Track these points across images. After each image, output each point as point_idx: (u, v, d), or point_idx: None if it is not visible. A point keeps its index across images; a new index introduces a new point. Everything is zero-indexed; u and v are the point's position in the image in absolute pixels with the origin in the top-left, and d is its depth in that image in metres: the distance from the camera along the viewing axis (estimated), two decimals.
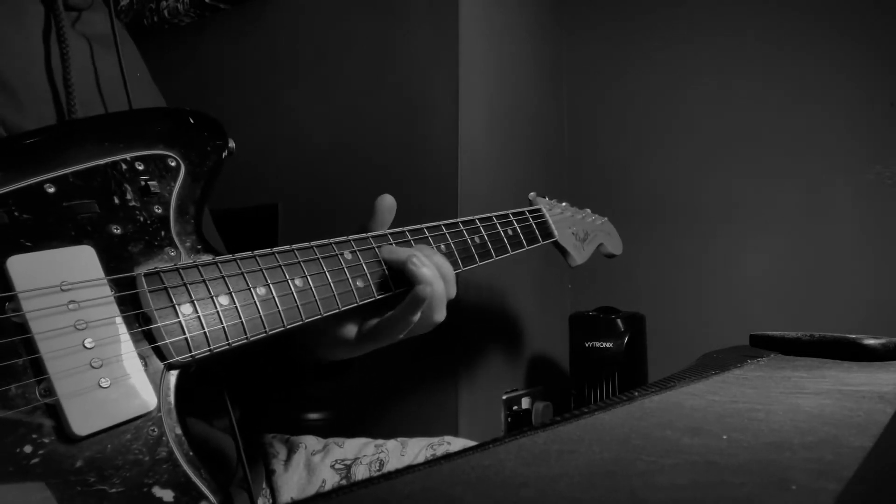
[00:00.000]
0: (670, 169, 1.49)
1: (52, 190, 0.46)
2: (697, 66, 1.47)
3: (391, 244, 0.63)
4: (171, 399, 0.45)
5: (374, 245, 0.61)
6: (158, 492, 0.41)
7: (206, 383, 0.59)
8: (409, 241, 0.64)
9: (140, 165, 0.51)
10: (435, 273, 0.61)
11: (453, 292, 0.64)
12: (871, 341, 0.78)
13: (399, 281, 0.61)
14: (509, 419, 1.30)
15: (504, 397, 1.30)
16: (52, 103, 0.62)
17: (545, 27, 1.57)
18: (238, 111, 1.53)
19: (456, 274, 0.65)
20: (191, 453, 0.44)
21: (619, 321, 1.24)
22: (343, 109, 1.37)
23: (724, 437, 0.37)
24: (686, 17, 1.49)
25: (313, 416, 1.23)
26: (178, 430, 0.44)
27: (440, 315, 0.62)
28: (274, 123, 1.47)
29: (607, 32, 1.60)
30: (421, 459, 0.80)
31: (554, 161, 1.58)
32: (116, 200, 0.49)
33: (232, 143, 0.58)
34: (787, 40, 1.37)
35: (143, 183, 0.51)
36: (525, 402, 1.34)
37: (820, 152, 1.33)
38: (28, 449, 0.39)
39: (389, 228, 0.65)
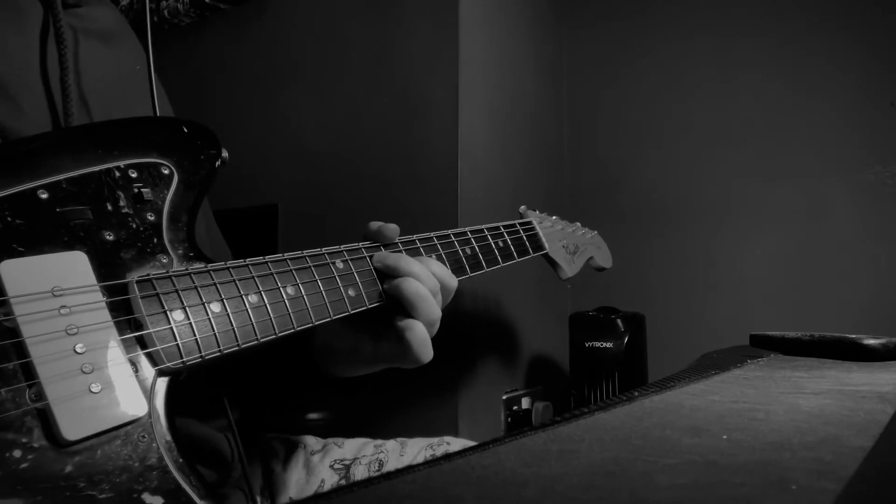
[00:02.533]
0: (670, 168, 1.49)
1: (45, 196, 0.46)
2: (697, 66, 1.47)
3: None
4: (162, 405, 0.45)
5: (365, 255, 0.62)
6: (148, 498, 0.41)
7: (205, 384, 0.59)
8: (401, 251, 0.65)
9: (133, 173, 0.51)
10: (417, 281, 0.60)
11: (447, 294, 0.64)
12: (871, 341, 0.78)
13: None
14: (509, 419, 1.29)
15: (504, 397, 1.29)
16: (49, 104, 0.61)
17: (545, 26, 1.57)
18: (238, 111, 1.53)
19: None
20: (180, 460, 0.43)
21: (619, 321, 1.24)
22: (343, 109, 1.37)
23: (724, 437, 0.37)
24: (686, 17, 1.49)
25: (313, 415, 1.23)
26: (168, 437, 0.44)
27: (428, 313, 0.60)
28: (274, 123, 1.47)
29: (607, 31, 1.60)
30: (420, 459, 0.80)
31: (554, 161, 1.58)
32: (109, 207, 0.49)
33: (225, 153, 0.58)
34: (788, 40, 1.37)
35: (136, 190, 0.51)
36: (525, 402, 1.34)
37: (820, 152, 1.33)
38: (17, 453, 0.38)
39: None
